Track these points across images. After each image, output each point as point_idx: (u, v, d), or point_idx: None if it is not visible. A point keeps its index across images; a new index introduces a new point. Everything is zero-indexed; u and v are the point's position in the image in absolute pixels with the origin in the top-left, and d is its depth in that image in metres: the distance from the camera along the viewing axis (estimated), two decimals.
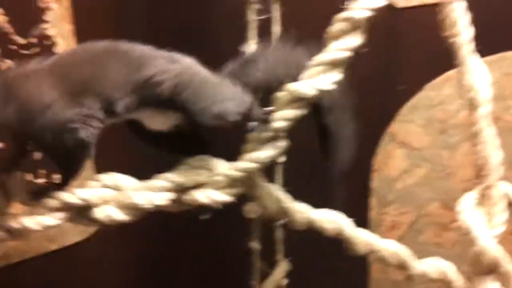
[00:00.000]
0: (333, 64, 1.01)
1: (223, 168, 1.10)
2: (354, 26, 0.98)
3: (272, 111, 1.06)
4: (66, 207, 1.05)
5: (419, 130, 1.85)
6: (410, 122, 1.84)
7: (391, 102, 1.85)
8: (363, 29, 0.99)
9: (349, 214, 1.17)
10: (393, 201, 1.92)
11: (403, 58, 1.80)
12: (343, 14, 0.98)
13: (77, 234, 1.44)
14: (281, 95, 1.04)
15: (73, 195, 1.03)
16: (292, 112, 1.03)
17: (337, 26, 0.99)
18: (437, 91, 1.80)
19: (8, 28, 1.30)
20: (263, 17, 1.34)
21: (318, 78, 1.01)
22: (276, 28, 1.41)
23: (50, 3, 1.43)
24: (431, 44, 1.71)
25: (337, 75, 1.01)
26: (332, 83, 1.00)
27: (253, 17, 1.32)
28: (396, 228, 1.94)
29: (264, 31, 1.35)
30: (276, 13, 1.39)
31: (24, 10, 1.31)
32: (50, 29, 1.35)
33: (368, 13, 0.97)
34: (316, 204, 1.16)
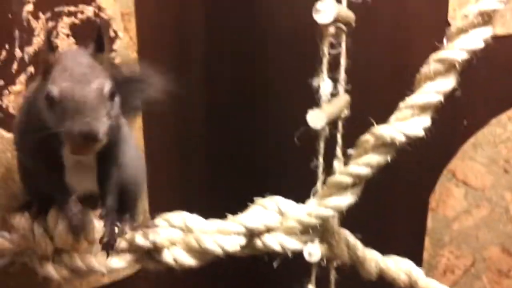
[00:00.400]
0: (424, 108, 0.94)
1: (297, 212, 1.03)
2: (449, 67, 0.91)
3: (352, 155, 0.99)
4: (134, 249, 1.00)
5: (482, 168, 1.75)
6: (472, 160, 1.75)
7: (452, 137, 1.77)
8: (458, 71, 0.93)
9: (402, 254, 1.10)
10: (449, 242, 1.82)
11: (469, 90, 1.72)
12: (438, 54, 0.92)
13: (128, 268, 1.38)
14: (365, 138, 0.97)
15: (142, 237, 0.98)
16: (377, 158, 0.96)
17: (431, 66, 0.92)
18: (503, 127, 1.71)
19: None
20: (335, 51, 1.28)
21: (407, 122, 0.94)
22: (343, 61, 1.36)
23: (119, 31, 1.41)
24: (499, 76, 1.65)
25: (427, 120, 0.94)
26: (422, 128, 0.93)
27: (326, 50, 1.26)
28: (451, 272, 1.83)
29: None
30: (343, 45, 1.34)
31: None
32: (116, 58, 1.33)
33: (466, 55, 0.90)
34: None
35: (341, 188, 0.99)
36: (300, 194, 1.08)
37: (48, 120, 0.83)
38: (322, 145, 1.38)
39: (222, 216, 1.06)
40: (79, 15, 1.29)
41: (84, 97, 0.80)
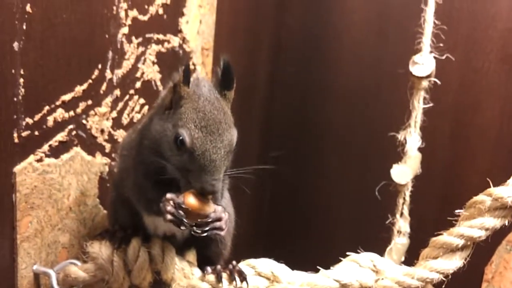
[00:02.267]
0: None
1: (395, 272, 0.95)
2: None
3: (463, 216, 0.92)
4: None
5: None
6: None
7: None
8: None
9: None
10: None
11: None
12: None
13: None
14: (480, 199, 0.90)
15: (228, 281, 0.90)
16: (493, 221, 0.88)
17: None
18: None
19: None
20: (426, 106, 1.23)
21: None
22: (420, 117, 1.30)
23: (197, 65, 1.39)
24: None
25: None
26: None
27: (417, 104, 1.22)
28: None
29: None
30: (421, 101, 1.28)
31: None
32: None
33: None
34: None
35: (450, 250, 0.91)
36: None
37: (169, 156, 0.82)
38: (402, 201, 1.31)
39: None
40: (166, 44, 1.26)
41: (214, 156, 0.79)
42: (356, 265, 0.97)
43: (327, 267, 0.98)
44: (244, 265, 0.96)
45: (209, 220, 0.82)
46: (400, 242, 1.38)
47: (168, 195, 0.81)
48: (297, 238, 1.94)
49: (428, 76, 1.21)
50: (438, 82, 1.22)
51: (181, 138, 0.79)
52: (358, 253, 0.99)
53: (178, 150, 0.80)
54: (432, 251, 0.93)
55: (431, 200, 1.75)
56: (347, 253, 0.99)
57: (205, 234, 0.83)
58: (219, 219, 0.84)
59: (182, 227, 0.81)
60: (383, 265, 0.96)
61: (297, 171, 1.92)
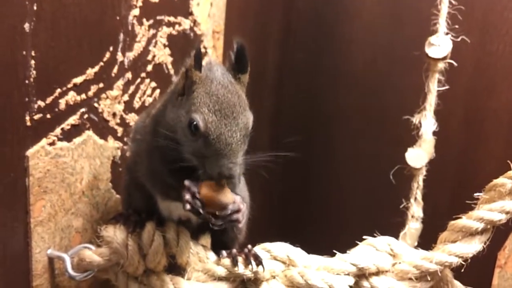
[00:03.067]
0: None
1: (412, 256, 0.94)
2: None
3: (482, 199, 0.90)
4: (232, 277, 0.91)
5: None
6: None
7: None
8: None
9: None
10: None
11: None
12: None
13: None
14: (501, 182, 0.88)
15: (243, 265, 0.89)
16: None
17: None
18: None
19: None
20: (441, 89, 1.21)
21: None
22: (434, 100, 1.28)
23: (208, 48, 1.37)
24: None
25: None
26: None
27: (432, 87, 1.19)
28: None
29: None
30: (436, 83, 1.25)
31: None
32: None
33: None
34: None
35: (469, 233, 0.89)
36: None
37: (184, 142, 0.80)
38: (416, 185, 1.29)
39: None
40: (177, 27, 1.24)
41: (230, 140, 0.77)
42: (373, 249, 0.95)
43: (340, 252, 0.97)
44: (260, 249, 0.95)
45: (228, 212, 0.81)
46: (413, 227, 1.36)
47: (186, 182, 0.80)
48: (309, 224, 1.93)
49: (444, 58, 1.19)
50: (455, 64, 1.20)
51: (194, 123, 0.77)
52: (374, 237, 0.97)
53: (192, 136, 0.78)
54: (450, 235, 0.92)
55: (445, 185, 1.73)
56: (364, 236, 0.97)
57: (223, 226, 0.82)
58: (237, 211, 0.83)
59: (201, 217, 0.80)
60: (400, 248, 0.95)
61: (308, 157, 1.90)
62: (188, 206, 0.79)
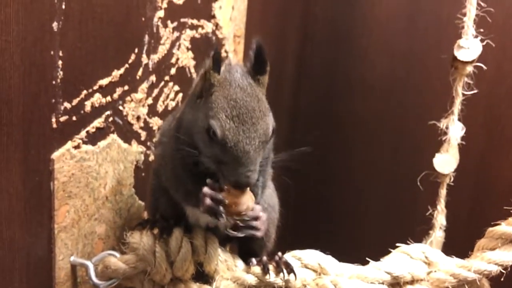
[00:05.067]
0: None
1: (449, 264, 0.90)
2: None
3: None
4: (264, 285, 0.88)
5: None
6: None
7: None
8: None
9: None
10: None
11: None
12: None
13: None
14: None
15: (275, 273, 0.86)
16: None
17: None
18: None
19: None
20: (469, 93, 1.18)
21: None
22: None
23: (229, 52, 1.35)
24: None
25: None
26: None
27: (460, 90, 1.17)
28: None
29: None
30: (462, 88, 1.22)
31: None
32: None
33: None
34: None
35: (509, 240, 0.86)
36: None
37: (201, 146, 0.78)
38: (443, 192, 1.26)
39: None
40: (200, 30, 1.22)
41: (248, 148, 0.74)
42: (407, 256, 0.92)
43: (359, 259, 0.94)
44: (290, 257, 0.92)
45: (246, 219, 0.78)
46: (438, 235, 1.33)
47: (205, 189, 0.77)
48: (324, 233, 1.90)
49: (473, 61, 1.16)
50: (484, 67, 1.17)
51: (212, 129, 0.75)
52: (407, 244, 0.94)
53: (210, 142, 0.76)
54: (489, 242, 0.89)
55: (464, 192, 1.70)
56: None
57: (241, 235, 0.79)
58: (256, 218, 0.80)
59: (221, 219, 0.77)
60: (436, 256, 0.92)
61: (325, 164, 1.87)
62: (206, 209, 0.77)
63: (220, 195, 0.77)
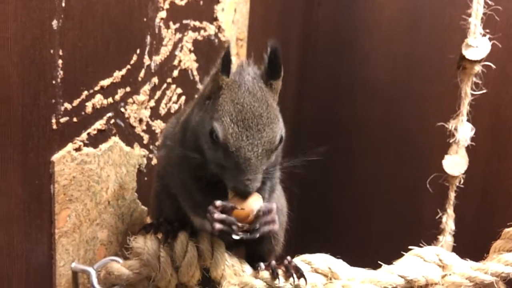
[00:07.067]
0: None
1: (464, 267, 0.87)
2: None
3: None
4: None
5: None
6: None
7: None
8: None
9: None
10: None
11: None
12: None
13: None
14: None
15: (284, 278, 0.83)
16: None
17: None
18: None
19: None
20: (478, 93, 1.16)
21: None
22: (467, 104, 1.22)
23: (232, 56, 1.33)
24: None
25: None
26: None
27: (468, 91, 1.14)
28: None
29: None
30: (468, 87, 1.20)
31: None
32: None
33: None
34: None
35: None
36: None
37: (206, 149, 0.76)
38: (453, 195, 1.23)
39: None
40: (202, 32, 1.20)
41: (249, 154, 0.71)
42: (421, 260, 0.89)
43: (363, 266, 0.91)
44: (299, 261, 0.88)
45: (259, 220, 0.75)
46: (448, 240, 1.30)
47: (216, 215, 0.74)
48: (327, 238, 1.86)
49: (481, 60, 1.14)
50: (493, 66, 1.15)
51: (215, 133, 0.72)
52: (420, 247, 0.91)
53: (213, 145, 0.74)
54: (506, 243, 0.86)
55: (470, 195, 1.67)
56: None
57: (258, 235, 0.76)
58: (269, 211, 0.77)
59: (235, 236, 0.74)
60: (450, 259, 0.88)
61: (329, 169, 1.84)
62: (217, 226, 0.73)
63: (231, 218, 0.73)
